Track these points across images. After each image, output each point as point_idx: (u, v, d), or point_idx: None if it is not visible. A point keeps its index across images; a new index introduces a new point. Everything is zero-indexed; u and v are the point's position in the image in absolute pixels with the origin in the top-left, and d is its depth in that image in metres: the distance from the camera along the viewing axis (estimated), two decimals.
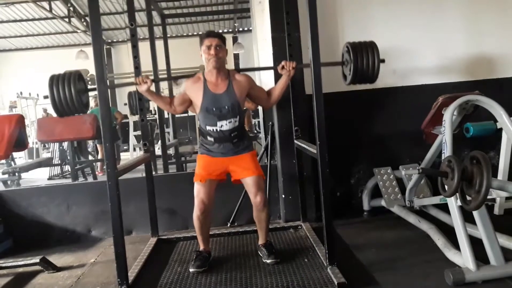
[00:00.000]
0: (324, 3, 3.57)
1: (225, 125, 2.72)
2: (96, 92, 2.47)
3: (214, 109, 2.70)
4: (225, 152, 2.78)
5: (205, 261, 2.77)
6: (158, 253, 3.14)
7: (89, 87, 2.68)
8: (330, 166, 2.50)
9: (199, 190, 2.73)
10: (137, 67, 3.24)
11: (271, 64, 3.52)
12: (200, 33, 2.85)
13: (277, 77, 3.48)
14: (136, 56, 3.22)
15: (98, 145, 7.60)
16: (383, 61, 2.66)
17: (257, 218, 2.84)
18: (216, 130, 2.73)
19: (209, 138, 2.79)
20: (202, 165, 2.82)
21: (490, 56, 3.90)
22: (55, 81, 2.52)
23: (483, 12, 3.90)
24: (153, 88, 2.79)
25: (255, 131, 8.21)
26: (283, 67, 2.76)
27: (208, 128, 2.75)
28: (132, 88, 3.27)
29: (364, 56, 2.64)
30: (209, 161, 2.80)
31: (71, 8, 10.81)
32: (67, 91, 2.49)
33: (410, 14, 3.85)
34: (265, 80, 3.81)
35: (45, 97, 2.61)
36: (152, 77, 2.76)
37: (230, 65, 13.03)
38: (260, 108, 4.18)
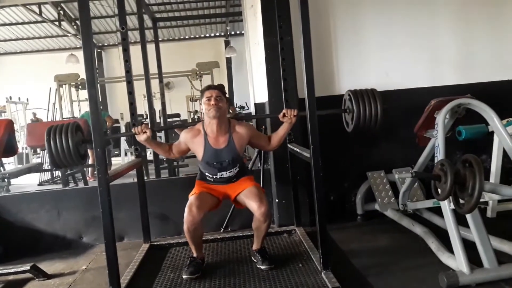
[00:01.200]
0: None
1: (225, 174, 2.79)
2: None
3: (215, 163, 2.75)
4: (224, 184, 2.84)
5: (199, 267, 2.74)
6: (151, 260, 3.10)
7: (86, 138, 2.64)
8: (323, 170, 2.49)
9: (190, 203, 2.68)
10: (128, 71, 3.21)
11: (264, 67, 3.52)
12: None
13: (270, 80, 3.50)
14: (127, 60, 3.19)
15: (88, 151, 7.53)
16: (386, 108, 2.65)
17: (257, 228, 2.79)
18: (216, 178, 2.80)
19: (208, 179, 2.84)
20: (199, 186, 2.84)
21: (481, 60, 3.93)
22: (52, 133, 2.48)
23: (474, 18, 3.94)
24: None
25: None
26: (284, 115, 2.75)
27: (207, 174, 2.82)
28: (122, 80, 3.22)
29: (367, 106, 2.62)
30: (207, 185, 2.84)
31: (61, 12, 10.72)
32: (65, 143, 2.46)
33: (402, 18, 3.87)
34: (258, 79, 3.81)
35: (42, 149, 2.56)
36: (150, 127, 2.69)
37: (222, 68, 13.08)
38: (254, 113, 4.16)
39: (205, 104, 2.69)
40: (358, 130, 2.69)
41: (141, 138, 2.69)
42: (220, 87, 2.79)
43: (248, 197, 2.72)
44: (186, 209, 2.65)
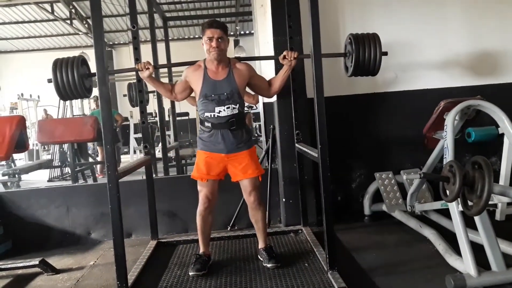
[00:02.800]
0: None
1: (223, 111, 2.68)
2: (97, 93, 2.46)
3: (213, 95, 2.68)
4: (223, 147, 2.71)
5: (205, 264, 2.76)
6: (158, 256, 3.12)
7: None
8: (331, 170, 2.50)
9: (202, 187, 2.76)
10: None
11: (273, 67, 3.52)
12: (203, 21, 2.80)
13: (278, 68, 3.50)
14: (137, 59, 3.22)
15: (98, 147, 7.60)
16: (385, 53, 2.67)
17: (253, 218, 2.84)
18: (214, 115, 2.69)
19: (206, 124, 2.74)
20: (201, 163, 2.77)
21: (493, 61, 3.90)
22: (59, 65, 2.53)
23: (486, 16, 3.90)
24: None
25: (256, 135, 8.20)
26: (284, 57, 2.77)
27: (206, 114, 2.71)
28: (132, 80, 3.28)
29: (366, 48, 2.65)
30: (208, 160, 2.75)
31: (73, 10, 10.83)
32: (70, 75, 2.52)
33: (412, 16, 3.85)
34: (266, 72, 3.82)
35: (49, 80, 2.61)
36: (153, 64, 2.75)
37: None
38: (262, 112, 4.17)
39: (206, 44, 2.65)
40: (357, 73, 2.73)
41: (144, 74, 2.72)
42: (223, 24, 2.71)
43: (244, 188, 2.79)
44: (200, 194, 2.74)
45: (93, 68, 2.53)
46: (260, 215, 2.81)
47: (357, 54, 2.66)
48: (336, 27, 3.76)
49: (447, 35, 3.87)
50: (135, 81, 2.84)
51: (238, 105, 2.71)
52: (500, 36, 3.89)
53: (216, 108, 2.68)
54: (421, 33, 3.83)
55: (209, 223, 2.82)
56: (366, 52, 2.66)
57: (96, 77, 2.39)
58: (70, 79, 2.53)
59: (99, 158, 7.63)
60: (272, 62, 3.53)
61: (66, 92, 2.56)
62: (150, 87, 3.34)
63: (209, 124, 2.72)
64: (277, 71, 3.46)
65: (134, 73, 3.26)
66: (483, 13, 3.90)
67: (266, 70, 3.82)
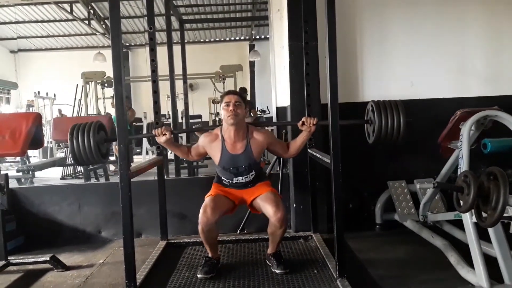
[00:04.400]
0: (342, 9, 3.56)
1: (241, 179, 2.79)
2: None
3: (231, 168, 2.75)
4: (240, 189, 2.84)
5: (214, 267, 2.75)
6: (167, 257, 3.13)
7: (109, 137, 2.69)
8: (343, 177, 2.47)
9: (205, 204, 2.69)
10: (154, 70, 3.27)
11: (287, 72, 3.52)
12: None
13: (293, 85, 3.50)
14: (153, 60, 3.25)
15: (113, 147, 7.65)
16: (409, 121, 2.55)
17: (273, 233, 2.77)
18: (232, 182, 2.80)
19: (224, 183, 2.85)
20: (216, 188, 2.85)
21: (510, 71, 3.84)
22: (75, 132, 2.53)
23: (504, 27, 3.85)
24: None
25: None
26: (303, 123, 2.71)
27: (224, 179, 2.83)
28: (148, 80, 3.30)
29: (389, 117, 2.53)
30: (224, 189, 2.85)
31: (91, 11, 10.98)
32: (86, 143, 2.51)
33: (429, 27, 3.82)
34: (280, 83, 3.81)
35: (66, 145, 2.62)
36: (171, 129, 2.74)
37: (245, 72, 13.16)
38: (275, 116, 4.16)
39: (224, 109, 2.68)
40: (379, 142, 2.61)
41: (161, 140, 2.72)
42: (240, 92, 2.80)
43: (264, 202, 2.70)
44: (201, 210, 2.66)
45: (109, 71, 2.52)
46: (281, 232, 2.73)
47: (379, 123, 2.54)
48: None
49: (464, 44, 3.82)
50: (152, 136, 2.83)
51: (254, 170, 2.79)
52: None
53: (234, 178, 2.78)
54: (439, 41, 3.80)
55: (213, 235, 2.76)
56: (389, 122, 2.53)
57: (113, 76, 2.41)
58: (86, 146, 2.51)
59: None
60: (287, 68, 3.53)
61: (82, 159, 2.55)
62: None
63: (227, 184, 2.84)
64: (291, 79, 3.48)
65: (149, 74, 3.28)
66: (501, 24, 3.86)
67: (280, 80, 3.83)
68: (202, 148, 2.83)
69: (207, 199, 2.73)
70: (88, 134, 2.52)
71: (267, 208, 2.66)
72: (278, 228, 2.68)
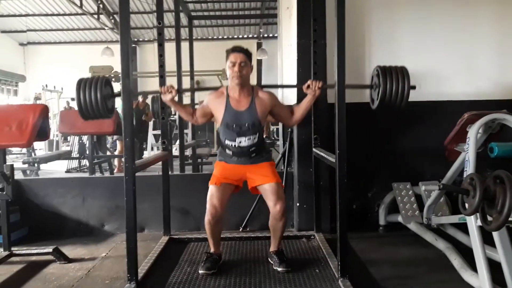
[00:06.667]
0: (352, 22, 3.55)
1: (243, 141, 2.73)
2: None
3: (234, 125, 2.71)
4: (243, 162, 2.79)
5: (215, 263, 2.75)
6: (169, 252, 3.13)
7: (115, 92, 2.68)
8: (347, 177, 2.46)
9: (212, 194, 2.70)
10: (161, 65, 3.27)
11: (295, 70, 3.51)
12: (227, 48, 2.81)
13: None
14: (161, 55, 3.25)
15: (118, 142, 7.68)
16: (413, 87, 2.54)
17: (273, 226, 2.78)
18: (235, 145, 2.75)
19: (227, 151, 2.80)
20: (219, 170, 2.83)
21: None
22: (83, 85, 2.53)
23: None
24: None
25: (273, 138, 8.18)
26: (308, 87, 2.72)
27: (227, 142, 2.77)
28: (156, 76, 3.31)
29: (394, 82, 2.53)
30: (226, 167, 2.82)
31: (101, 5, 11.03)
32: (93, 96, 2.50)
33: (439, 27, 3.80)
34: (288, 81, 3.80)
35: (73, 99, 2.63)
36: (176, 87, 2.77)
37: (253, 71, 13.23)
38: None
39: (229, 68, 2.68)
40: (383, 106, 2.60)
41: (166, 97, 2.74)
42: (246, 49, 2.74)
43: (267, 194, 2.72)
44: (208, 202, 2.67)
45: (117, 66, 2.53)
46: (281, 226, 2.74)
47: (384, 87, 2.54)
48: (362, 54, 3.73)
49: (474, 46, 3.80)
50: (158, 93, 2.84)
51: (258, 134, 2.75)
52: None
53: (237, 138, 2.73)
54: (447, 42, 3.77)
55: (218, 229, 2.78)
56: (394, 86, 2.53)
57: (121, 69, 2.41)
58: (93, 99, 2.51)
59: (117, 152, 7.70)
60: (295, 66, 3.52)
61: (88, 112, 2.55)
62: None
63: (230, 152, 2.79)
64: (298, 76, 3.46)
65: (157, 70, 3.28)
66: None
67: (288, 78, 3.81)
68: (207, 107, 2.80)
69: (212, 187, 2.73)
70: (96, 87, 2.51)
71: (268, 200, 2.71)
72: (278, 221, 2.70)
